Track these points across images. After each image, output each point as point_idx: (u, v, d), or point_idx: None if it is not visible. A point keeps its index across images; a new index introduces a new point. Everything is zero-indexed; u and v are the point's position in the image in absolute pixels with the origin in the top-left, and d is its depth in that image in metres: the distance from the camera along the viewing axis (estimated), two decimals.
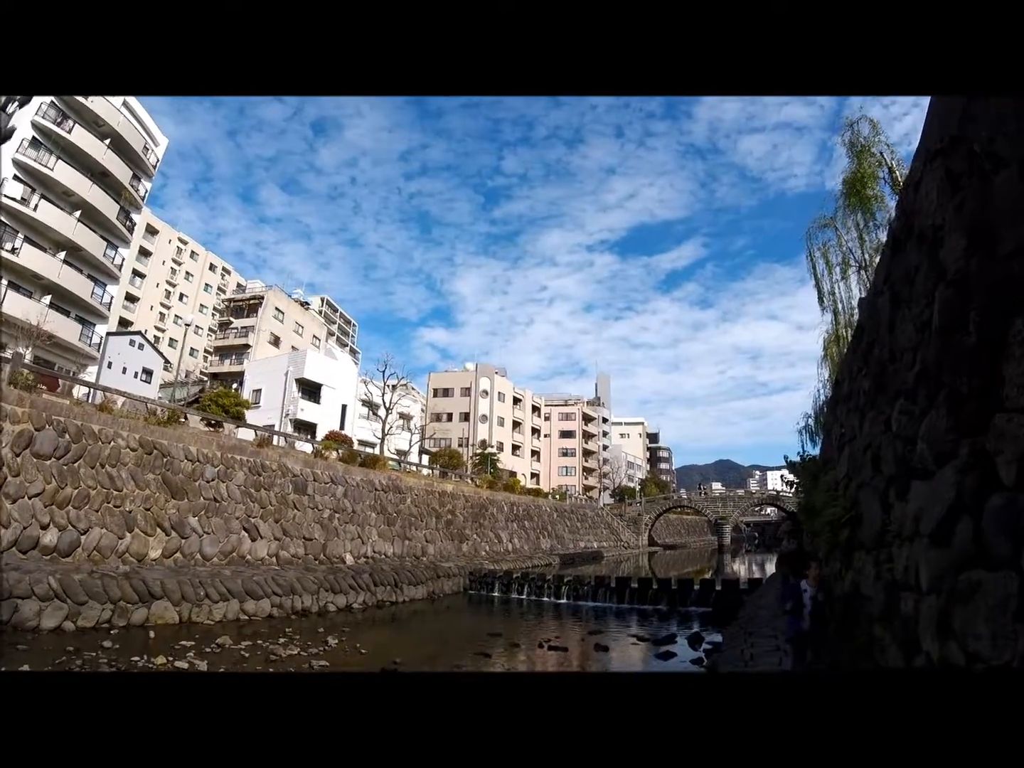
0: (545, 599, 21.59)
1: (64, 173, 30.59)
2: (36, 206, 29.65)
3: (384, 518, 24.72)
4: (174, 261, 63.93)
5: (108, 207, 33.86)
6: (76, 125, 31.03)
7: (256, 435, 21.97)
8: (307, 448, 25.27)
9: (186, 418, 21.05)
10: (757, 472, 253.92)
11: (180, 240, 65.53)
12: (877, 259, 15.78)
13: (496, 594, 22.70)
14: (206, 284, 67.73)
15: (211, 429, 22.73)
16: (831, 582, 7.04)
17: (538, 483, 67.14)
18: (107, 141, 33.59)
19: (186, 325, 38.20)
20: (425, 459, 49.28)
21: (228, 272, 72.72)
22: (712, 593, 19.20)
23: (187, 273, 65.42)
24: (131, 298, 57.39)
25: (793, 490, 18.09)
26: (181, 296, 64.00)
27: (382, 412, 38.55)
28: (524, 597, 22.05)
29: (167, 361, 47.07)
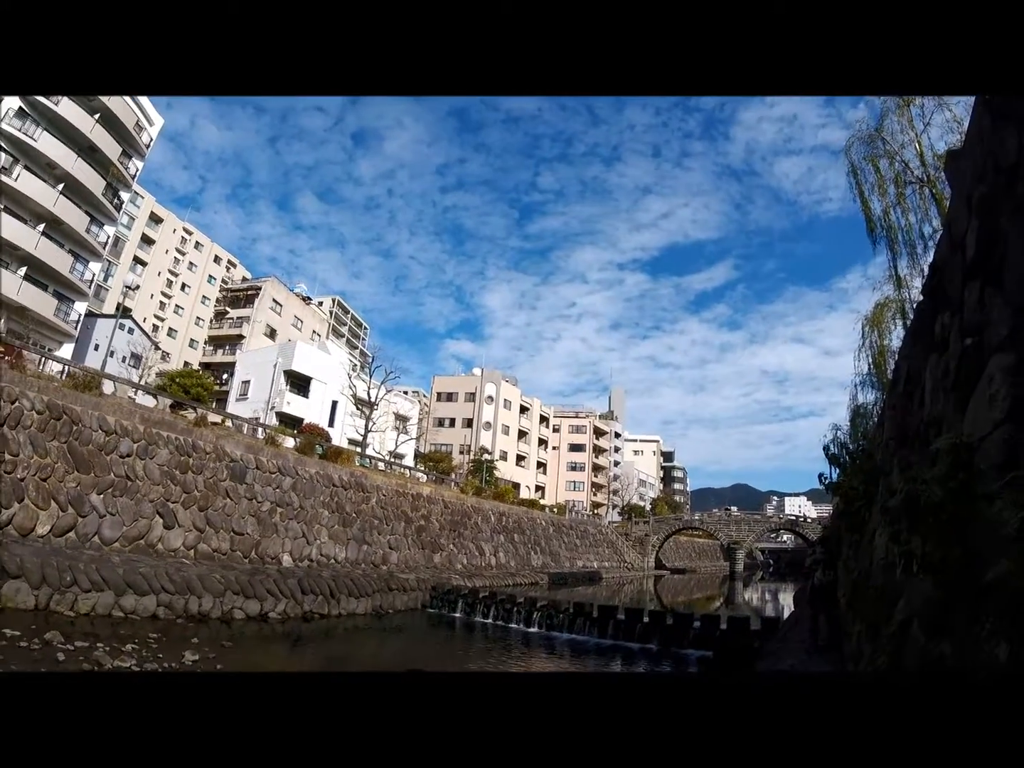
0: (513, 625, 18.07)
1: (48, 145, 29.79)
2: (17, 176, 28.68)
3: (340, 517, 21.70)
4: (178, 251, 62.22)
5: (94, 182, 33.14)
6: (65, 97, 29.82)
7: (197, 412, 19.29)
8: (259, 434, 22.44)
9: (115, 386, 18.53)
10: (775, 498, 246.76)
11: (185, 230, 63.76)
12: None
13: (458, 615, 19.29)
14: (210, 276, 65.69)
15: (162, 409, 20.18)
16: None
17: (543, 496, 63.84)
18: (96, 116, 32.77)
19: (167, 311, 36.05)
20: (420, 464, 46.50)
21: (234, 265, 70.79)
22: (716, 631, 15.17)
23: (191, 263, 63.65)
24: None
25: (834, 502, 14.08)
26: (183, 286, 62.19)
27: (369, 408, 35.78)
28: (489, 621, 18.62)
29: (157, 347, 45.18)
